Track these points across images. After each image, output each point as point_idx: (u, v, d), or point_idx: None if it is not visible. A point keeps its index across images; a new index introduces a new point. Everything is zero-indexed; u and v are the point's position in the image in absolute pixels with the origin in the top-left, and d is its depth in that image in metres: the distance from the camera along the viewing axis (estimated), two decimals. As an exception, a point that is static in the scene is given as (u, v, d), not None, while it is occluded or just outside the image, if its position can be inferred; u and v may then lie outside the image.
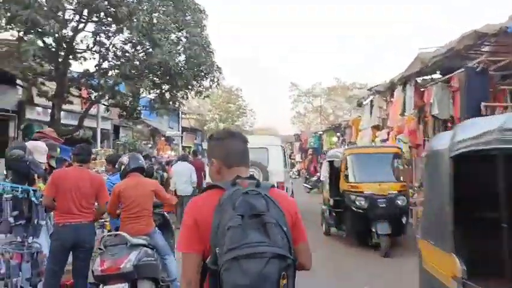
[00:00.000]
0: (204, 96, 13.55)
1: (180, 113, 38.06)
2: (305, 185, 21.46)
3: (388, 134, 10.85)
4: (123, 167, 4.98)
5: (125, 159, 5.09)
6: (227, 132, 2.14)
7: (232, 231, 1.65)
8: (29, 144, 5.25)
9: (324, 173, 15.40)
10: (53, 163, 5.59)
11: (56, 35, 12.16)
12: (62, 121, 15.48)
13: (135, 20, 10.73)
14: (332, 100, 56.48)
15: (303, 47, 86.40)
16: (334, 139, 22.00)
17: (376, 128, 12.02)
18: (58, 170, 5.10)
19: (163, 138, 28.47)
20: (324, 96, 55.37)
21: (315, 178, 21.31)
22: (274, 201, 1.78)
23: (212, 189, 1.92)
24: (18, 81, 13.63)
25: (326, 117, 55.45)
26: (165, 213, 5.72)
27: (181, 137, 36.73)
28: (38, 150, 5.16)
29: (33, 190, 4.70)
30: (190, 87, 13.49)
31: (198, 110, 47.33)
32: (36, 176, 4.94)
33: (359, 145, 12.41)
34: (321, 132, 24.73)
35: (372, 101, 12.25)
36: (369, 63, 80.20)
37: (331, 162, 10.18)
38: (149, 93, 14.25)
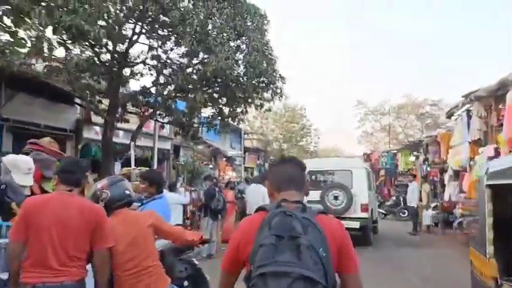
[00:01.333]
0: (266, 110, 12.01)
1: (242, 132, 37.21)
2: (379, 210, 19.19)
3: (496, 149, 8.70)
4: (103, 197, 3.27)
5: (102, 185, 3.34)
6: (280, 158, 2.33)
7: (264, 249, 1.74)
8: (6, 159, 3.64)
9: (412, 199, 13.41)
10: (49, 187, 3.67)
11: (109, 47, 11.46)
12: (120, 140, 15.02)
13: (188, 24, 9.52)
14: (401, 118, 53.75)
15: (368, 63, 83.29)
16: (411, 158, 19.62)
17: (476, 143, 9.88)
18: (32, 197, 3.19)
19: (224, 159, 27.30)
20: (393, 114, 52.59)
21: (389, 202, 18.98)
22: (317, 225, 1.81)
23: (259, 211, 1.99)
24: (77, 100, 13.07)
25: (395, 136, 52.72)
26: (195, 260, 4.07)
27: (244, 157, 35.55)
28: (19, 168, 3.57)
29: (6, 226, 3.16)
30: (250, 100, 12.06)
31: (260, 130, 46.25)
32: (14, 205, 3.30)
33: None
34: (395, 151, 22.34)
35: (468, 110, 10.10)
36: (443, 78, 75.60)
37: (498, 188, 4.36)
38: (205, 106, 12.99)
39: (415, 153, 19.49)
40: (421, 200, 14.61)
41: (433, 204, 14.95)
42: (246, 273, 1.82)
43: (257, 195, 9.55)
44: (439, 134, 12.96)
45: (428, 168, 15.43)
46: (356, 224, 10.68)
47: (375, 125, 54.98)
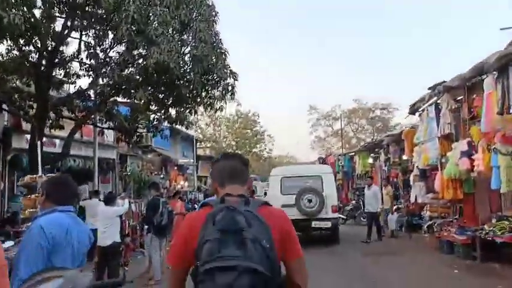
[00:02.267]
0: (217, 109, 10.84)
1: (194, 140, 35.85)
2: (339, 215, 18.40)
3: (470, 144, 7.95)
4: None
5: None
6: (222, 154, 2.29)
7: (209, 245, 1.74)
8: None
9: (371, 203, 12.63)
10: None
11: (37, 44, 10.02)
12: (57, 150, 13.39)
13: (123, 11, 8.26)
14: (353, 123, 54.48)
15: (318, 68, 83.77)
16: (370, 160, 19.02)
17: (446, 138, 9.14)
18: None
19: (175, 168, 25.84)
20: (345, 118, 53.07)
21: (349, 207, 18.22)
22: (260, 217, 1.83)
23: (204, 207, 2.01)
24: (4, 106, 11.49)
25: (347, 140, 53.15)
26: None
27: (197, 166, 34.17)
28: None
29: None
30: (199, 99, 10.89)
31: (213, 138, 45.06)
32: None
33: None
34: (352, 153, 21.74)
35: (437, 104, 9.36)
36: (391, 82, 77.14)
37: None
38: (148, 109, 11.71)
39: (373, 155, 18.93)
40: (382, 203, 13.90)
41: (395, 207, 14.26)
42: (193, 269, 1.85)
43: None
44: (404, 131, 12.25)
45: (390, 169, 14.77)
46: (328, 224, 11.84)
47: (327, 129, 55.22)
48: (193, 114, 11.89)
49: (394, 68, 78.42)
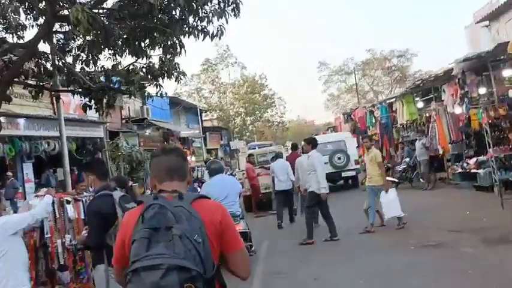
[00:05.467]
0: (213, 35, 6.90)
1: (199, 110, 32.10)
2: (388, 178, 14.54)
3: None
4: None
5: None
6: (160, 150, 2.25)
7: (136, 244, 1.74)
8: None
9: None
10: None
11: None
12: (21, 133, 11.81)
13: None
14: (368, 75, 50.19)
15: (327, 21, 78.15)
16: (419, 105, 15.06)
17: None
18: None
19: (179, 142, 22.13)
20: (359, 72, 48.87)
21: (402, 166, 14.30)
22: (193, 212, 1.82)
23: (139, 204, 1.98)
24: None
25: (363, 95, 49.18)
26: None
27: (204, 137, 30.49)
28: None
29: None
30: (186, 27, 7.26)
31: (219, 106, 41.16)
32: None
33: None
34: (392, 100, 17.65)
35: None
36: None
37: None
38: (117, 53, 8.04)
39: (417, 99, 14.97)
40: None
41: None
42: (125, 269, 1.79)
43: (282, 168, 10.94)
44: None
45: (469, 109, 10.75)
46: (353, 173, 16.41)
47: (340, 86, 51.22)
48: (179, 52, 8.14)
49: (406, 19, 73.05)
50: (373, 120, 21.13)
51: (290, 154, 12.76)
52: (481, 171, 10.67)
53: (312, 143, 8.81)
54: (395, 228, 8.27)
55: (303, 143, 9.60)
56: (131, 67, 8.98)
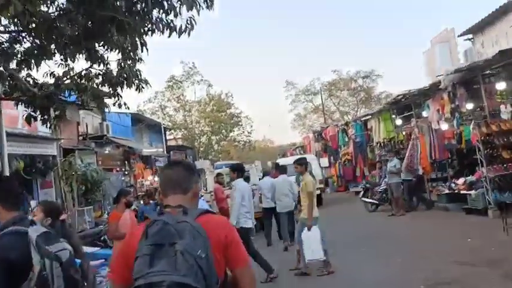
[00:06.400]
0: (181, 31, 5.71)
1: (163, 128, 30.65)
2: (366, 199, 13.61)
3: None
4: None
5: None
6: (167, 164, 2.42)
7: (139, 261, 1.73)
8: None
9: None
10: None
11: None
12: None
13: None
14: (334, 96, 50.32)
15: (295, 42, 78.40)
16: (398, 122, 14.33)
17: None
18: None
19: (140, 161, 20.64)
20: (325, 92, 48.96)
21: (383, 187, 13.35)
22: (197, 227, 1.80)
23: (145, 220, 1.97)
24: None
25: (330, 115, 49.12)
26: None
27: (168, 157, 28.98)
28: None
29: None
30: (147, 23, 6.14)
31: (184, 125, 39.75)
32: None
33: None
34: (368, 117, 16.88)
35: None
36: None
37: None
38: (65, 60, 6.81)
39: (393, 116, 14.21)
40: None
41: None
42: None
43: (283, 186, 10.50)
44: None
45: (460, 124, 9.92)
46: (318, 191, 13.72)
47: (307, 106, 51.15)
48: (140, 58, 7.06)
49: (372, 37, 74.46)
50: (346, 139, 20.41)
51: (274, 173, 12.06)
52: (472, 192, 9.86)
53: (238, 171, 7.70)
54: (316, 275, 6.98)
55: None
56: (84, 72, 7.69)
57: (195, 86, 39.72)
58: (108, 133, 19.58)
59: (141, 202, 11.21)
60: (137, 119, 25.96)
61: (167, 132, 34.13)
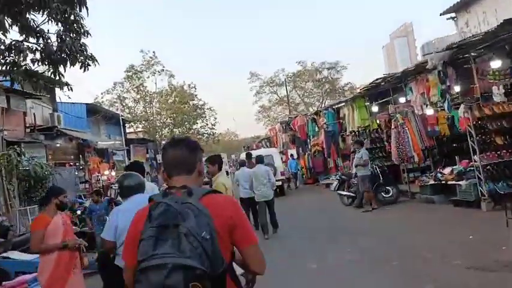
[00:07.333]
0: None
1: (121, 120, 28.85)
2: (342, 192, 12.64)
3: None
4: None
5: None
6: (169, 141, 2.15)
7: (143, 243, 1.68)
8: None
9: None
10: None
11: None
12: None
13: None
14: (299, 87, 49.84)
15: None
16: (374, 109, 13.43)
17: None
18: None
19: (95, 154, 18.97)
20: (290, 83, 48.40)
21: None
22: (201, 208, 1.75)
23: (150, 201, 1.90)
24: None
25: (294, 107, 48.50)
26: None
27: (127, 150, 27.29)
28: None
29: None
30: None
31: (145, 116, 37.94)
32: None
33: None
34: (342, 104, 15.89)
35: None
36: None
37: None
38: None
39: (367, 103, 13.30)
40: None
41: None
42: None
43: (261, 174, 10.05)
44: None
45: (451, 108, 8.98)
46: (280, 182, 17.85)
47: (271, 98, 50.50)
48: (86, 32, 5.71)
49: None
50: (316, 129, 19.40)
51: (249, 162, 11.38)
52: (462, 183, 8.99)
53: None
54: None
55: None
56: (14, 43, 6.26)
57: (155, 76, 37.99)
58: (59, 124, 17.97)
59: (91, 200, 9.80)
60: (93, 110, 24.37)
61: (127, 125, 32.41)
